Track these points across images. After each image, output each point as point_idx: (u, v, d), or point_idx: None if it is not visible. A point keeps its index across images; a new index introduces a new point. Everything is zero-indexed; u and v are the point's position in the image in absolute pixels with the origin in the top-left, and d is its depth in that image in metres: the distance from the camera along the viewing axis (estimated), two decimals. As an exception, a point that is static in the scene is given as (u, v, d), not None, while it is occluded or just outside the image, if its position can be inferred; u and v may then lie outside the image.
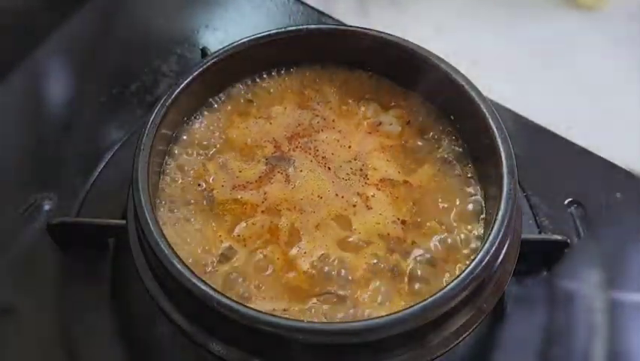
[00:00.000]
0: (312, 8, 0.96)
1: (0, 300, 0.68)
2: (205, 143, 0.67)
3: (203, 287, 0.50)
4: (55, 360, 0.65)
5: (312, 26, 0.71)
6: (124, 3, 1.00)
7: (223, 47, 0.67)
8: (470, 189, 0.63)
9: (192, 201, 0.62)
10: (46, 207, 0.74)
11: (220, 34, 0.94)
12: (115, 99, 0.86)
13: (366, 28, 0.69)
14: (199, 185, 0.63)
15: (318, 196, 0.62)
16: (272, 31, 0.68)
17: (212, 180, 0.64)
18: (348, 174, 0.64)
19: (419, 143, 0.67)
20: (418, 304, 0.50)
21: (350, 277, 0.57)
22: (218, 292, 0.50)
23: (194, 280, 0.50)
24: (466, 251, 0.59)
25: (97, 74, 0.89)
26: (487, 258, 0.52)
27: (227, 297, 0.50)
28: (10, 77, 0.87)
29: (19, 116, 0.85)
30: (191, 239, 0.60)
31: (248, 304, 0.51)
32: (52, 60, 0.91)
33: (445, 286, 0.51)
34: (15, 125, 0.84)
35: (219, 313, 0.49)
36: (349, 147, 0.66)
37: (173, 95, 0.62)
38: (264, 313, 0.50)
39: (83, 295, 0.68)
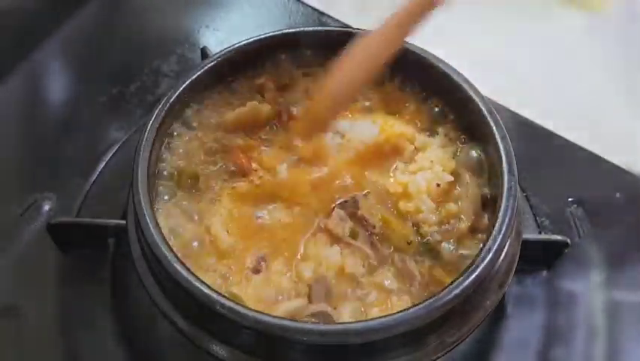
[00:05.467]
0: (312, 8, 0.96)
1: (0, 300, 0.68)
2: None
3: (205, 289, 0.50)
4: (55, 360, 0.65)
5: (311, 29, 0.71)
6: (124, 3, 1.00)
7: (223, 49, 0.67)
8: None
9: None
10: (46, 207, 0.74)
11: (220, 34, 0.94)
12: (115, 99, 0.86)
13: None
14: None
15: None
16: (271, 32, 0.68)
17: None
18: None
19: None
20: (418, 304, 0.50)
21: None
22: (220, 294, 0.50)
23: (195, 282, 0.50)
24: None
25: (97, 74, 0.89)
26: (488, 258, 0.52)
27: (230, 299, 0.50)
28: (10, 77, 0.87)
29: (19, 116, 0.85)
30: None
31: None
32: (52, 60, 0.91)
33: (446, 287, 0.51)
34: (15, 126, 0.84)
35: (221, 315, 0.49)
36: None
37: (174, 96, 0.62)
38: (264, 314, 0.49)
39: (83, 295, 0.68)
